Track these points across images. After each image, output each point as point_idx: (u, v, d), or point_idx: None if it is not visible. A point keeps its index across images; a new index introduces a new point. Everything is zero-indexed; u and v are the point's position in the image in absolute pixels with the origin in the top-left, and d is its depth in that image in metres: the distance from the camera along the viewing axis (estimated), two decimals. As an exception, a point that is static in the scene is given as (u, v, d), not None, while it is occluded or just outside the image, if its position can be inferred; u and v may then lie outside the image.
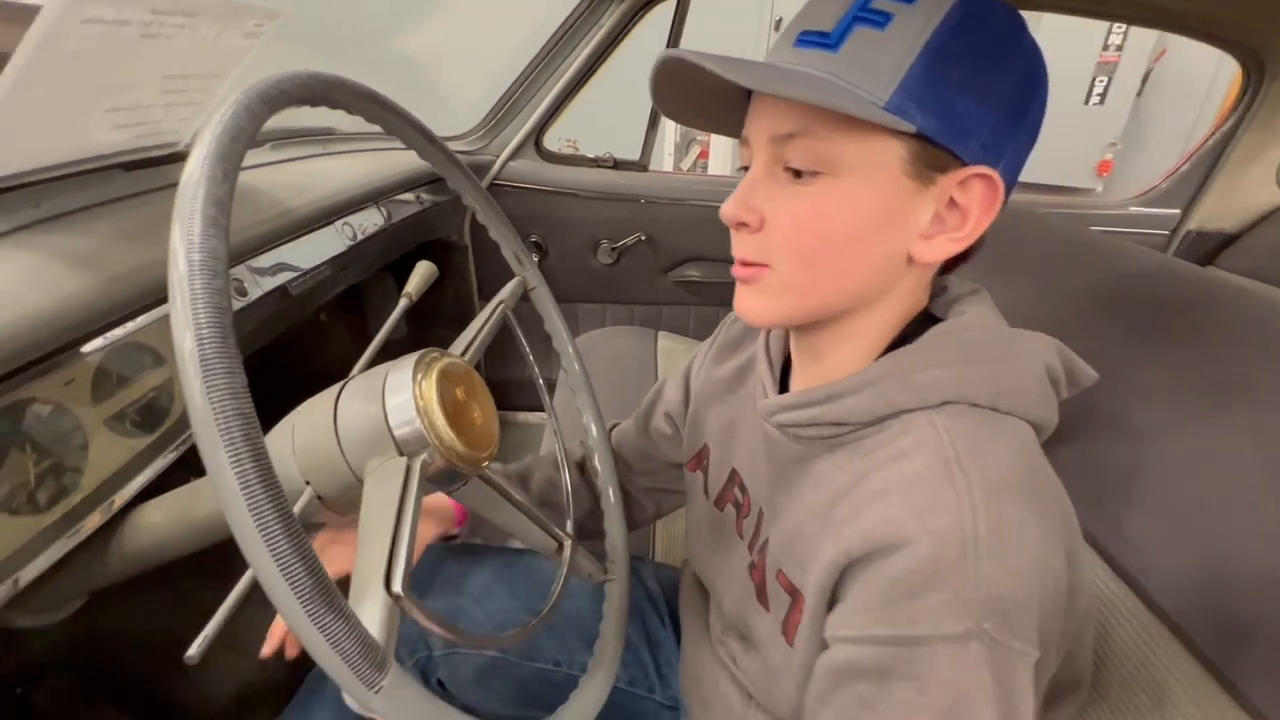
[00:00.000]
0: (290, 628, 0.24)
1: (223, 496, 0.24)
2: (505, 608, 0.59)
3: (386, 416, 0.37)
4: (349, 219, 0.88)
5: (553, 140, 1.33)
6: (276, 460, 0.42)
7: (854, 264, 0.37)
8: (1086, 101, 3.20)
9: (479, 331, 0.50)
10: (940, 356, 0.37)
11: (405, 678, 0.26)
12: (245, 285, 0.64)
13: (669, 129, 2.75)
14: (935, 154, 0.34)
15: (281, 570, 0.24)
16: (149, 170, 0.58)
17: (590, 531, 0.59)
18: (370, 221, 0.94)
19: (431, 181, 1.16)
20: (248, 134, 0.29)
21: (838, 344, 0.41)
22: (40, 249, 0.45)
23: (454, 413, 0.39)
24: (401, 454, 0.37)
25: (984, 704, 0.30)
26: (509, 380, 1.47)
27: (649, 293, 1.43)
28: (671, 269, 1.40)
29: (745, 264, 0.38)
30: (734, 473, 0.49)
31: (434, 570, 0.61)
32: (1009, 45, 0.34)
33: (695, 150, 3.16)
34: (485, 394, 0.45)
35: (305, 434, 0.39)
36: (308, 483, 0.39)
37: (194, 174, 0.27)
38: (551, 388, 1.11)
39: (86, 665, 0.69)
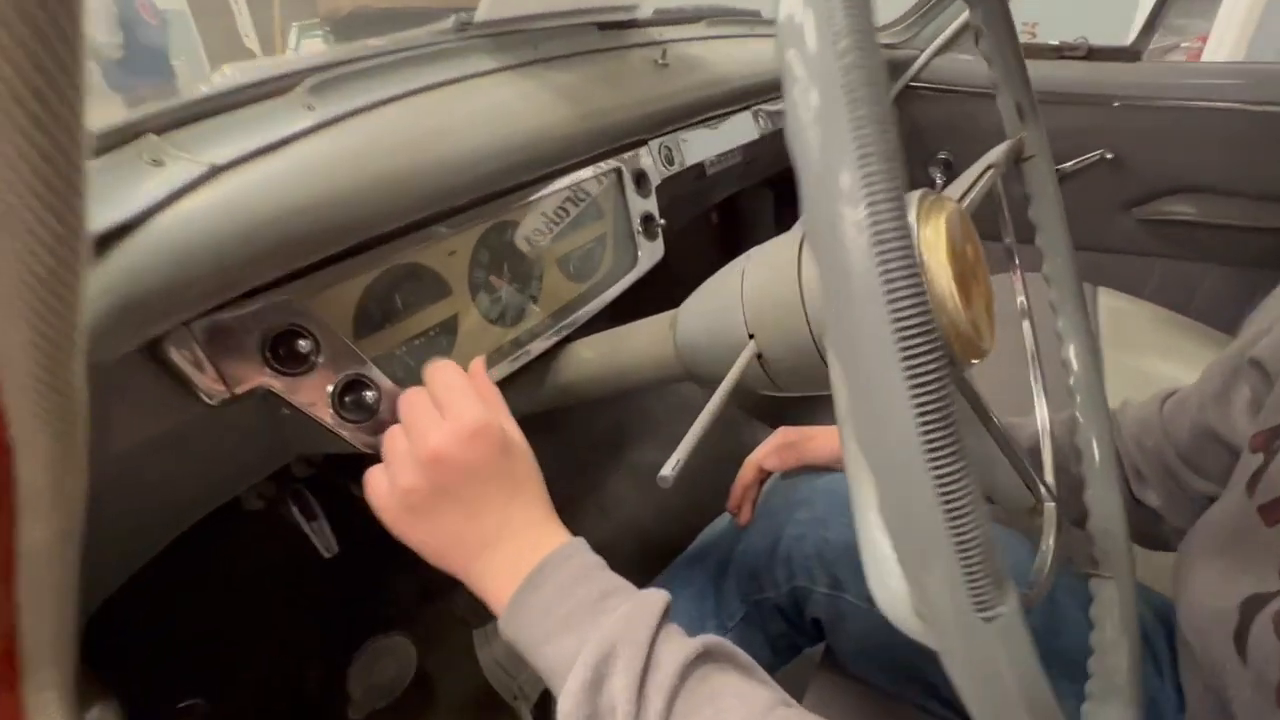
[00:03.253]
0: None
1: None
2: None
3: None
4: (762, 106, 0.82)
5: (1000, 27, 1.06)
6: (719, 303, 0.36)
7: None
8: None
9: (969, 189, 0.36)
10: None
11: (1020, 611, 0.16)
12: (673, 154, 0.63)
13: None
14: None
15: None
16: (615, 31, 0.60)
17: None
18: (782, 114, 0.88)
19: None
20: None
21: None
22: (536, 81, 0.48)
23: (961, 273, 0.28)
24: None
25: None
26: None
27: (1095, 233, 1.07)
28: (1143, 203, 1.02)
29: None
30: None
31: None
32: None
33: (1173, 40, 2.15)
34: (985, 266, 0.32)
35: (759, 278, 0.33)
36: (751, 336, 0.33)
37: None
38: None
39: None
